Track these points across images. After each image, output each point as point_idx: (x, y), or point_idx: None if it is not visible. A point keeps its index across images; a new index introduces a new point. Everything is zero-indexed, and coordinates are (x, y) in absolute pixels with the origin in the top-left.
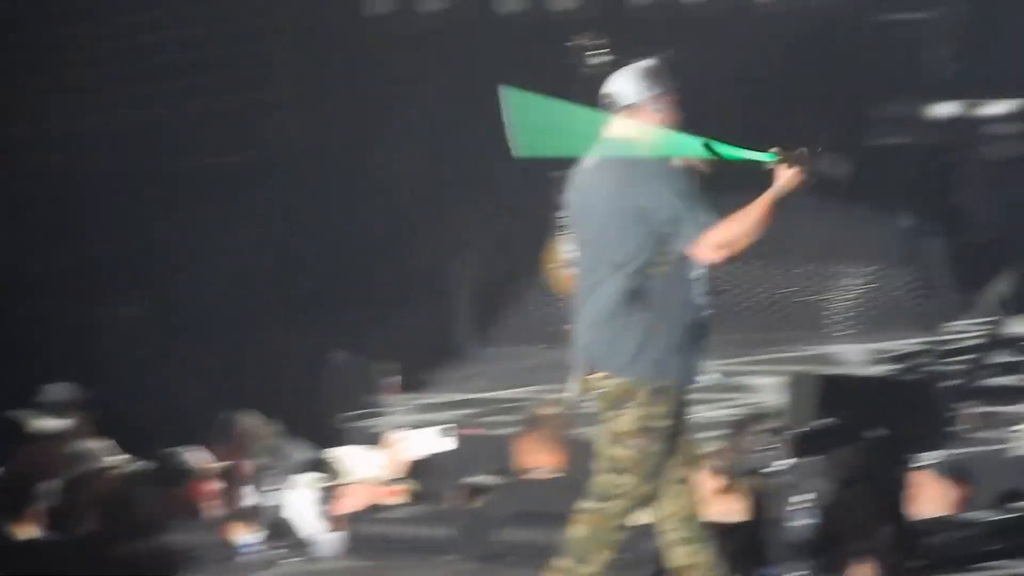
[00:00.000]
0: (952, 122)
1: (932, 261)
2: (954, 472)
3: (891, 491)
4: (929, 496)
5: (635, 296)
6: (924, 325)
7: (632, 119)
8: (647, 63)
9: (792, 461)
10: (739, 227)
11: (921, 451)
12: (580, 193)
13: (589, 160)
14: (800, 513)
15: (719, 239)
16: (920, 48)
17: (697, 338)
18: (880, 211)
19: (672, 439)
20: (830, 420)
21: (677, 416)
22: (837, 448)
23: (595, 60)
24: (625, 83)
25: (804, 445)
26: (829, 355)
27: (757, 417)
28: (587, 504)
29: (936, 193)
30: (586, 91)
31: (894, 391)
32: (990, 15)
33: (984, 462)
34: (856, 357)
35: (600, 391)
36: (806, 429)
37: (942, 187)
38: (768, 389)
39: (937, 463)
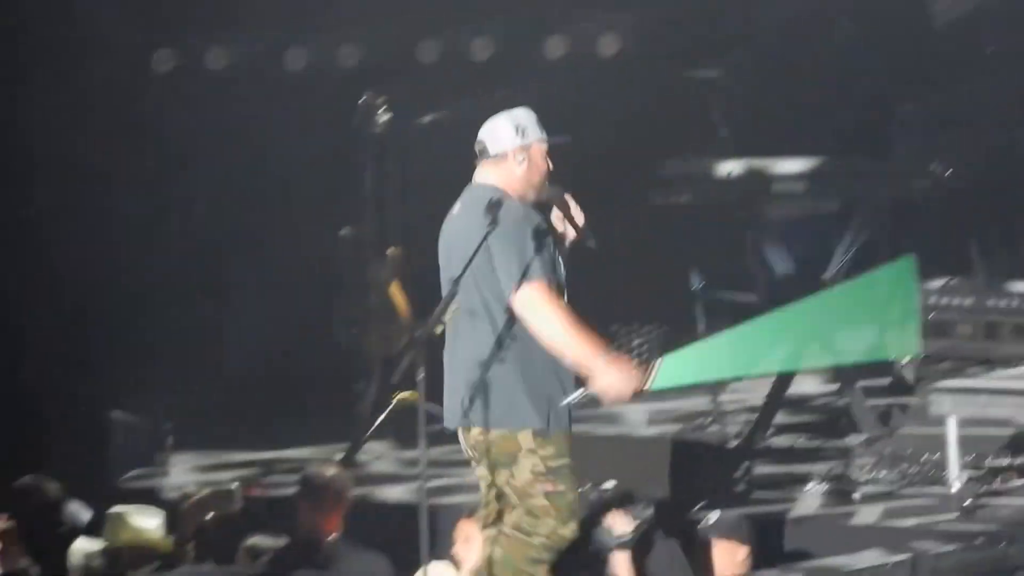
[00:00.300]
0: (737, 181)
1: (718, 320)
2: (736, 533)
3: (673, 553)
4: (713, 557)
5: (501, 344)
6: (709, 385)
7: (498, 167)
8: (517, 113)
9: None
10: (550, 327)
11: (704, 512)
12: (447, 241)
13: (456, 207)
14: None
15: (534, 302)
16: (706, 106)
17: (565, 381)
18: (666, 271)
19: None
20: (611, 482)
21: (569, 456)
22: (619, 509)
23: (381, 117)
24: (493, 131)
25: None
26: (611, 416)
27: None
28: (507, 529)
29: (723, 252)
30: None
31: (676, 452)
32: (775, 73)
33: (768, 522)
34: (638, 417)
35: (483, 446)
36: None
37: (728, 246)
38: None
39: (718, 524)
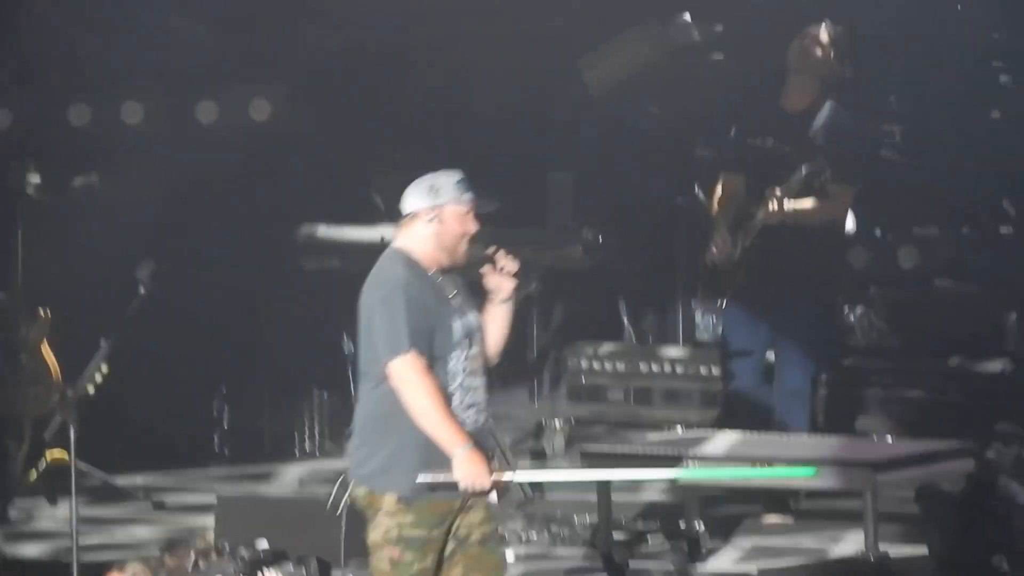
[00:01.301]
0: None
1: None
2: None
3: None
4: None
5: (382, 405)
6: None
7: (408, 228)
8: (438, 174)
9: None
10: (416, 402)
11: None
12: (361, 300)
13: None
14: None
15: (403, 375)
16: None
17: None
18: (323, 336)
19: (434, 551)
20: (261, 543)
21: (437, 528)
22: (272, 568)
23: (31, 179)
24: (409, 192)
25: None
26: (265, 475)
27: (184, 540)
28: None
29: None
30: None
31: (322, 512)
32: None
33: None
34: (293, 478)
35: (361, 500)
36: (239, 552)
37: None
38: (199, 509)
39: None
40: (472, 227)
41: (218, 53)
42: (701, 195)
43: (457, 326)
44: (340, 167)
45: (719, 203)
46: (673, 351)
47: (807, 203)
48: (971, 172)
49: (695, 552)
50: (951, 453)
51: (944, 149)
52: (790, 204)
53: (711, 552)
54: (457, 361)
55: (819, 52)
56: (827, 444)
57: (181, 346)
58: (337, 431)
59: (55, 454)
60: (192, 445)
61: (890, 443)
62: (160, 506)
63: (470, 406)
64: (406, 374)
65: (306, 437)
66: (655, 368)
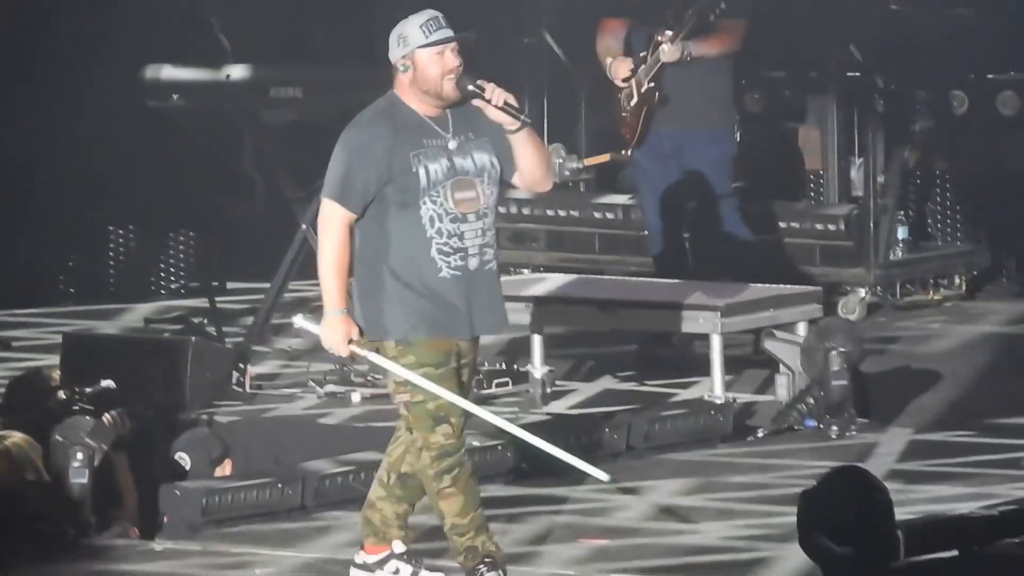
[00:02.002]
0: (235, 86)
1: (215, 223)
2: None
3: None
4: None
5: (361, 255)
6: (205, 288)
7: (395, 77)
8: (406, 21)
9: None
10: (320, 249)
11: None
12: None
13: None
14: (77, 472)
15: (321, 219)
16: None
17: (446, 298)
18: (161, 175)
19: (449, 382)
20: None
21: (442, 365)
22: (113, 407)
23: None
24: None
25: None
26: (109, 316)
27: (35, 375)
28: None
29: (219, 157)
30: None
31: (170, 351)
32: None
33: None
34: (135, 319)
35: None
36: (80, 391)
37: (224, 151)
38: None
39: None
40: (451, 64)
41: None
42: (548, 37)
43: (432, 169)
44: (183, 7)
45: (602, 50)
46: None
47: (703, 41)
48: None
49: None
50: (800, 297)
51: None
52: (686, 44)
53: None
54: (433, 206)
55: None
56: (675, 288)
57: (34, 187)
58: (208, 271)
59: None
60: (40, 284)
61: (738, 286)
62: (6, 345)
63: (453, 251)
64: (323, 220)
65: (164, 276)
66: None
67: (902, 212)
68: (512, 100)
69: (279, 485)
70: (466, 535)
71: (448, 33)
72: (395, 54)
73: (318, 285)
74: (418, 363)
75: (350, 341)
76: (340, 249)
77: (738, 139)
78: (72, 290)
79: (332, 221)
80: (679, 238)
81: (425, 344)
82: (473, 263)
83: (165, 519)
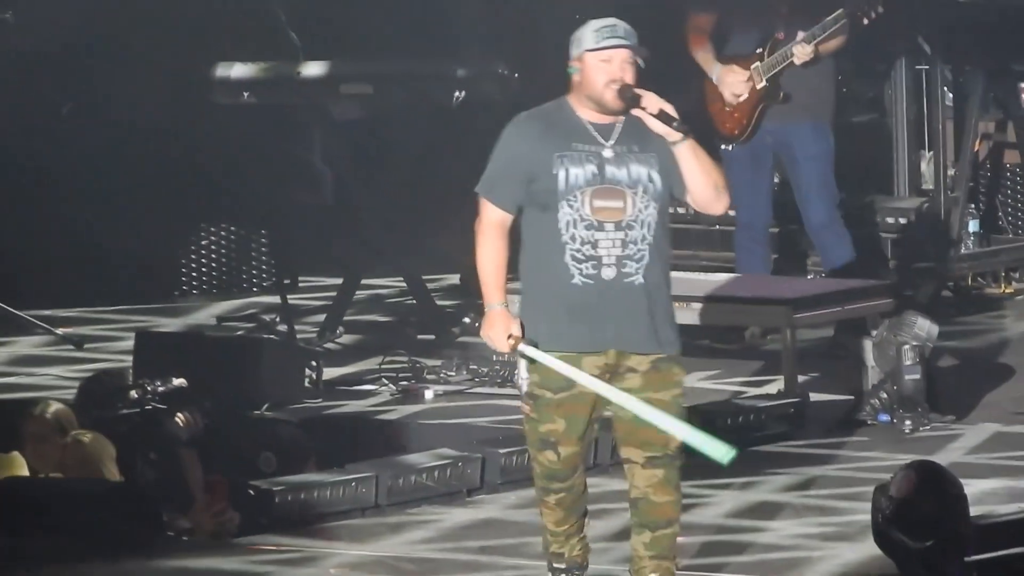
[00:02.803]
0: (301, 82)
1: (286, 220)
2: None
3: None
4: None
5: (523, 250)
6: (278, 286)
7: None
8: (584, 26)
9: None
10: (477, 250)
11: (274, 409)
12: None
13: None
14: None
15: (479, 217)
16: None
17: (576, 307)
18: (231, 171)
19: (565, 417)
20: (178, 379)
21: (562, 391)
22: (186, 406)
23: None
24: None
25: (155, 403)
26: (181, 314)
27: (108, 375)
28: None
29: (288, 153)
30: None
31: (243, 350)
32: None
33: (338, 421)
34: (207, 317)
35: None
36: (153, 388)
37: (293, 147)
38: (120, 348)
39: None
40: (616, 73)
41: None
42: None
43: (573, 173)
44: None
45: (697, 46)
46: None
47: (828, 44)
48: None
49: None
50: (872, 291)
51: None
52: (823, 45)
53: None
54: (570, 210)
55: None
56: (746, 283)
57: (100, 181)
58: (281, 268)
59: None
60: (112, 281)
61: (812, 281)
62: (79, 344)
63: (586, 259)
64: (479, 217)
65: (237, 273)
66: None
67: (972, 205)
68: (670, 109)
69: (353, 483)
70: (556, 540)
71: (619, 41)
72: (570, 55)
73: (388, 282)
74: (539, 382)
75: (509, 336)
76: (490, 246)
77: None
78: (145, 289)
79: (482, 218)
80: (767, 231)
81: (550, 368)
82: (608, 273)
83: (238, 517)
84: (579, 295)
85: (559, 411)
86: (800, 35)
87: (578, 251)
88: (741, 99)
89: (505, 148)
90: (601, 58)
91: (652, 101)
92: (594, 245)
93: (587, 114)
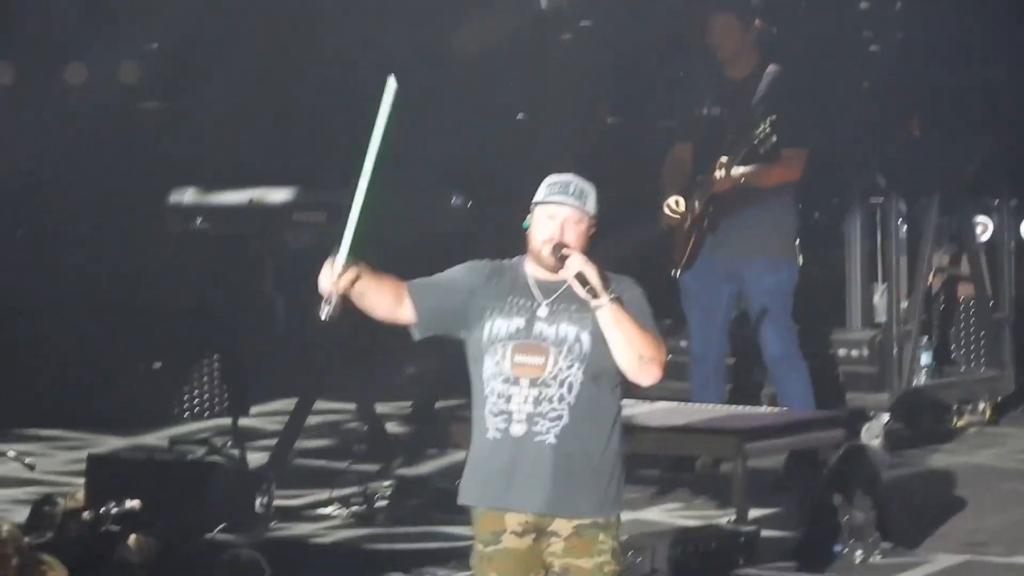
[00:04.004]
0: (258, 209)
1: (236, 350)
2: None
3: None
4: None
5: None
6: (232, 411)
7: None
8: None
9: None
10: None
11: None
12: None
13: None
14: None
15: None
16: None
17: (490, 463)
18: (184, 300)
19: (496, 566)
20: (132, 501)
21: (490, 544)
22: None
23: None
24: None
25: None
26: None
27: (54, 499)
28: None
29: (242, 281)
30: None
31: (194, 473)
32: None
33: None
34: (157, 441)
35: None
36: (107, 511)
37: (247, 275)
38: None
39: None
40: (553, 231)
41: (86, 13)
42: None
43: (497, 326)
44: (213, 130)
45: (666, 172)
46: None
47: (757, 169)
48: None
49: None
50: (823, 422)
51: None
52: (738, 171)
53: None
54: (491, 364)
55: (732, 36)
56: (701, 412)
57: (52, 312)
58: (226, 393)
59: None
60: (65, 407)
61: (763, 412)
62: (31, 467)
63: (499, 413)
64: None
65: (188, 399)
66: None
67: (926, 337)
68: (591, 274)
69: None
70: None
71: (561, 199)
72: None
73: (339, 407)
74: (475, 535)
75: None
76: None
77: (800, 263)
78: (97, 413)
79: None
80: (721, 364)
81: (475, 513)
82: (517, 429)
83: None
84: (492, 450)
85: (490, 567)
86: (722, 161)
87: (494, 405)
88: (686, 226)
89: (452, 272)
90: (548, 213)
91: (573, 263)
92: (507, 400)
93: (535, 270)
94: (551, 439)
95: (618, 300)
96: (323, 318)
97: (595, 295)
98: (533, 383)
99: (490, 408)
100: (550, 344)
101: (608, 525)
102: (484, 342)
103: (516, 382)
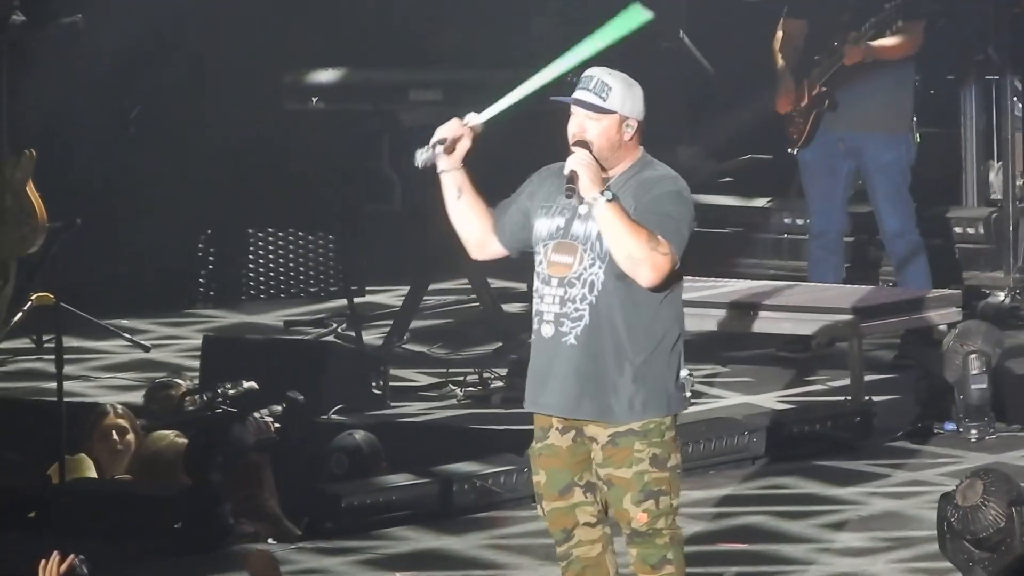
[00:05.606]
0: (370, 89)
1: (355, 227)
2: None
3: (306, 454)
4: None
5: None
6: (345, 291)
7: None
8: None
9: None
10: None
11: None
12: None
13: None
14: None
15: None
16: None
17: (531, 364)
18: (301, 178)
19: (545, 470)
20: (247, 383)
21: (539, 441)
22: (253, 411)
23: (16, 19)
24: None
25: (225, 407)
26: (246, 320)
27: (170, 382)
28: None
29: (358, 159)
30: None
31: (310, 354)
32: None
33: (404, 428)
34: (273, 322)
35: None
36: (223, 391)
37: (363, 153)
38: (177, 351)
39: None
40: (570, 128)
41: None
42: (686, 38)
43: (540, 226)
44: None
45: (781, 49)
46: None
47: (887, 41)
48: None
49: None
50: (940, 301)
51: None
52: (871, 43)
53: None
54: (538, 264)
55: None
56: (814, 292)
57: (166, 185)
58: (348, 274)
59: (40, 295)
60: (179, 287)
61: (876, 290)
62: (146, 348)
63: (536, 314)
64: None
65: (305, 279)
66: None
67: None
68: (583, 172)
69: (420, 488)
70: None
71: (579, 95)
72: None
73: (455, 289)
74: (535, 437)
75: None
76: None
77: (918, 141)
78: (212, 293)
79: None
80: (840, 240)
81: (535, 417)
82: (547, 330)
83: (306, 521)
84: (534, 350)
85: (539, 462)
86: (850, 35)
87: (537, 305)
88: (803, 104)
89: (522, 185)
90: (572, 109)
91: (571, 160)
92: (542, 299)
93: None
94: (572, 340)
95: (615, 200)
96: (416, 163)
97: (572, 194)
98: (560, 282)
99: (535, 307)
100: (580, 243)
101: (646, 432)
102: (534, 242)
103: (549, 281)
